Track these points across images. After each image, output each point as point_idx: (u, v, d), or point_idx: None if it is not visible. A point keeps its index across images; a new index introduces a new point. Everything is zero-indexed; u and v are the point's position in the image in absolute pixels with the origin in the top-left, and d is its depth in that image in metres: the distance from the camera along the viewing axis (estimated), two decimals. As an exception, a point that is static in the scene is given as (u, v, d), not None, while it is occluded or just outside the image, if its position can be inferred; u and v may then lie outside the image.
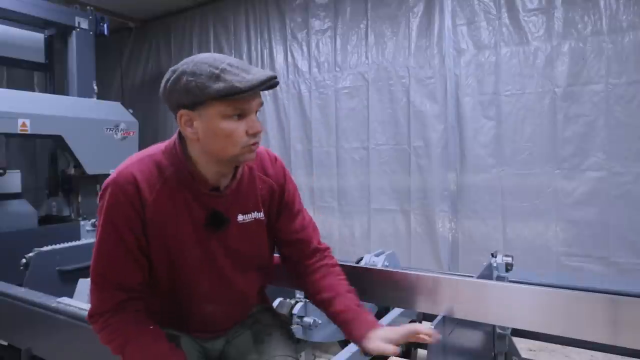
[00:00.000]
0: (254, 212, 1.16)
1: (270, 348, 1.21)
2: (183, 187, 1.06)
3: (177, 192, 1.06)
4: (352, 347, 1.47)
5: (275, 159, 1.25)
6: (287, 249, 1.28)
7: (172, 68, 1.01)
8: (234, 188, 1.12)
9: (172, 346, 1.07)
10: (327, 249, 1.30)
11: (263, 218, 1.19)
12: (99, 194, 1.07)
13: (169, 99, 1.01)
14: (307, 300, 2.08)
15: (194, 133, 1.01)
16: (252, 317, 1.32)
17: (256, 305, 1.34)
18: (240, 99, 0.96)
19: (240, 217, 1.14)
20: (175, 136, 1.09)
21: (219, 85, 0.94)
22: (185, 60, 1.01)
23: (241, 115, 0.99)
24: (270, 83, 0.99)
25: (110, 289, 1.05)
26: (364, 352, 1.09)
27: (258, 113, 1.05)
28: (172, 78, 0.99)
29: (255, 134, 1.01)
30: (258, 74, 0.97)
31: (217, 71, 0.95)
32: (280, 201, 1.22)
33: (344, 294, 1.19)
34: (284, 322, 1.37)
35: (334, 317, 1.18)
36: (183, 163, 1.06)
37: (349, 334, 1.14)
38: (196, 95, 0.96)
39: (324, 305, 1.20)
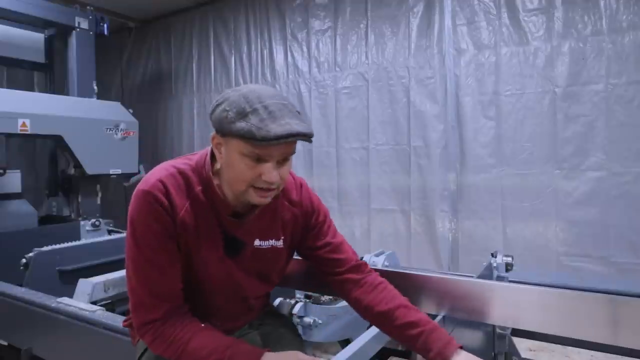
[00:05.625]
0: (272, 239, 1.17)
1: (282, 348, 1.22)
2: (208, 208, 1.07)
3: (202, 212, 1.07)
4: (352, 347, 1.47)
5: (301, 185, 1.24)
6: (324, 264, 1.23)
7: (227, 91, 1.03)
8: (256, 216, 1.13)
9: (233, 338, 1.08)
10: (367, 265, 1.26)
11: (281, 246, 1.19)
12: (131, 203, 1.05)
13: (210, 118, 1.03)
14: (307, 300, 2.08)
15: (220, 157, 1.03)
16: (259, 318, 1.34)
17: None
18: (258, 145, 0.94)
19: (257, 242, 1.15)
20: (207, 154, 1.10)
21: (241, 125, 0.93)
22: (240, 87, 1.02)
23: (259, 159, 0.97)
24: (292, 140, 0.94)
25: (157, 298, 1.04)
26: None
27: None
28: (218, 102, 1.01)
29: (266, 182, 0.99)
30: (282, 127, 0.92)
31: (248, 109, 0.94)
32: (309, 223, 1.22)
33: (408, 305, 1.15)
34: (289, 323, 1.38)
35: (402, 329, 1.11)
36: (210, 184, 1.07)
37: (425, 349, 1.07)
38: (223, 127, 0.97)
39: (386, 317, 1.14)
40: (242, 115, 0.94)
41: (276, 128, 0.92)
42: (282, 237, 1.18)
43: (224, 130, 0.97)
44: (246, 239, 1.13)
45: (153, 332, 1.04)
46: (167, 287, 1.05)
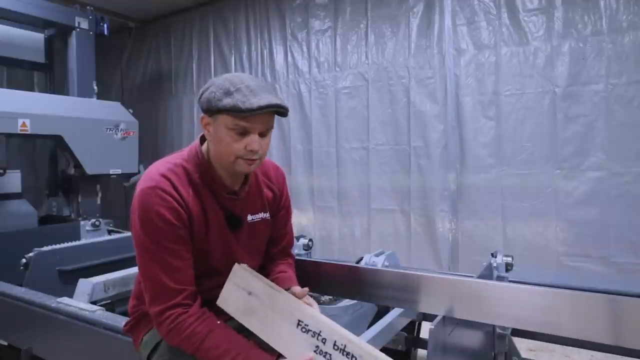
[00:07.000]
0: (261, 212, 1.32)
1: None
2: (207, 190, 1.20)
3: (203, 194, 1.19)
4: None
5: (277, 168, 1.43)
6: (270, 245, 1.41)
7: (211, 79, 1.17)
8: (246, 191, 1.27)
9: (247, 341, 1.12)
10: (293, 257, 1.48)
11: (269, 218, 1.35)
12: (137, 201, 1.12)
13: (199, 102, 1.15)
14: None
15: (209, 135, 1.16)
16: None
17: None
18: (241, 117, 1.07)
19: (250, 217, 1.29)
20: (196, 143, 1.24)
21: (227, 101, 1.07)
22: (223, 74, 1.18)
23: (243, 133, 1.10)
24: (271, 110, 1.09)
25: (178, 282, 1.11)
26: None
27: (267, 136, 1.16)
28: (205, 87, 1.15)
29: (251, 151, 1.11)
30: (263, 100, 1.07)
31: (232, 89, 1.08)
32: (278, 204, 1.39)
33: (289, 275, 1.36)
34: None
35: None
36: (205, 168, 1.20)
37: None
38: (212, 105, 1.10)
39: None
40: (228, 93, 1.08)
41: (258, 100, 1.06)
42: (268, 211, 1.35)
43: (212, 108, 1.10)
44: (242, 215, 1.27)
45: (171, 321, 1.08)
46: (186, 270, 1.13)
